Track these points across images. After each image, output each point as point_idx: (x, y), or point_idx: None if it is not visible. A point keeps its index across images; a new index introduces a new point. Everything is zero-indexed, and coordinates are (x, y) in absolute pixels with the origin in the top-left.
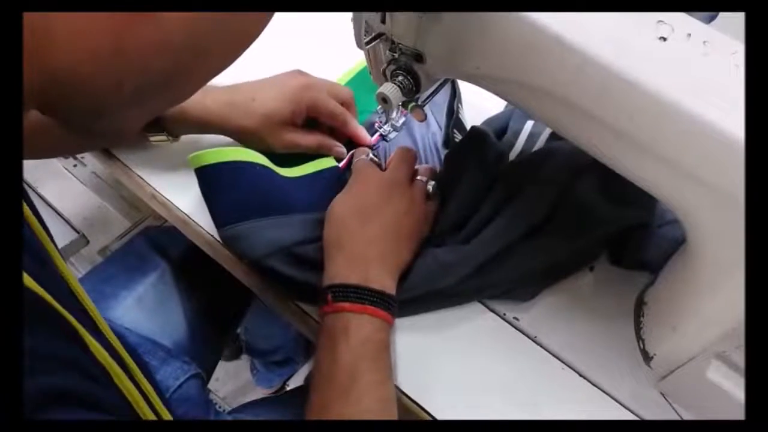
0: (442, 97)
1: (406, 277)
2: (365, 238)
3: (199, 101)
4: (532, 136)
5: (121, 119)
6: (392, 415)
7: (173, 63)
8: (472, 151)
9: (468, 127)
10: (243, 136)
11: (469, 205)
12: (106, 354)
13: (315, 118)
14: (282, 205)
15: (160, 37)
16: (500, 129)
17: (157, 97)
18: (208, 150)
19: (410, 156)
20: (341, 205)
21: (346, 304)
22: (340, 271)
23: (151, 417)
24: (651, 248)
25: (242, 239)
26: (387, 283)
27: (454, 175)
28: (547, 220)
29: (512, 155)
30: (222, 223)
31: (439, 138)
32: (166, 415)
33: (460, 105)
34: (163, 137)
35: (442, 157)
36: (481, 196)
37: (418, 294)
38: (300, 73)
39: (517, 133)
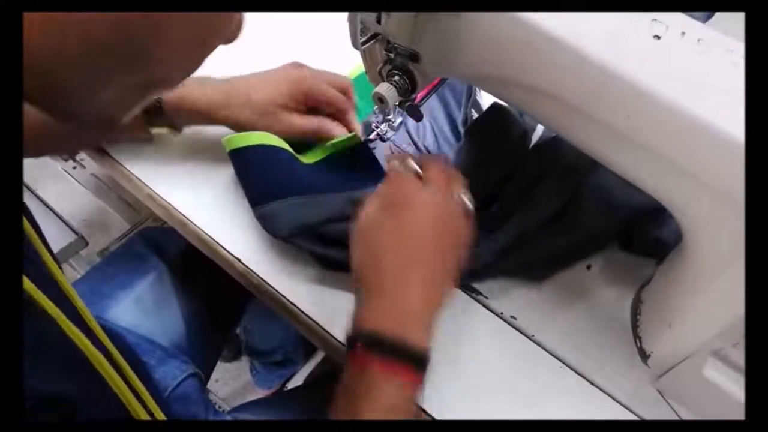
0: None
1: None
2: (407, 283)
3: (198, 90)
4: None
5: (96, 103)
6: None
7: (116, 33)
8: (495, 125)
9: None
10: (244, 126)
11: (494, 183)
12: (97, 353)
13: (314, 106)
14: (304, 189)
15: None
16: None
17: (119, 77)
18: (239, 134)
19: (454, 176)
20: (379, 231)
21: (377, 362)
22: (373, 315)
23: (144, 415)
24: (663, 233)
25: (269, 218)
26: (425, 337)
27: (477, 150)
28: (567, 205)
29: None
30: (253, 203)
31: (459, 117)
32: (160, 415)
33: (477, 89)
34: (164, 130)
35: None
36: (505, 174)
37: None
38: (297, 64)
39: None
